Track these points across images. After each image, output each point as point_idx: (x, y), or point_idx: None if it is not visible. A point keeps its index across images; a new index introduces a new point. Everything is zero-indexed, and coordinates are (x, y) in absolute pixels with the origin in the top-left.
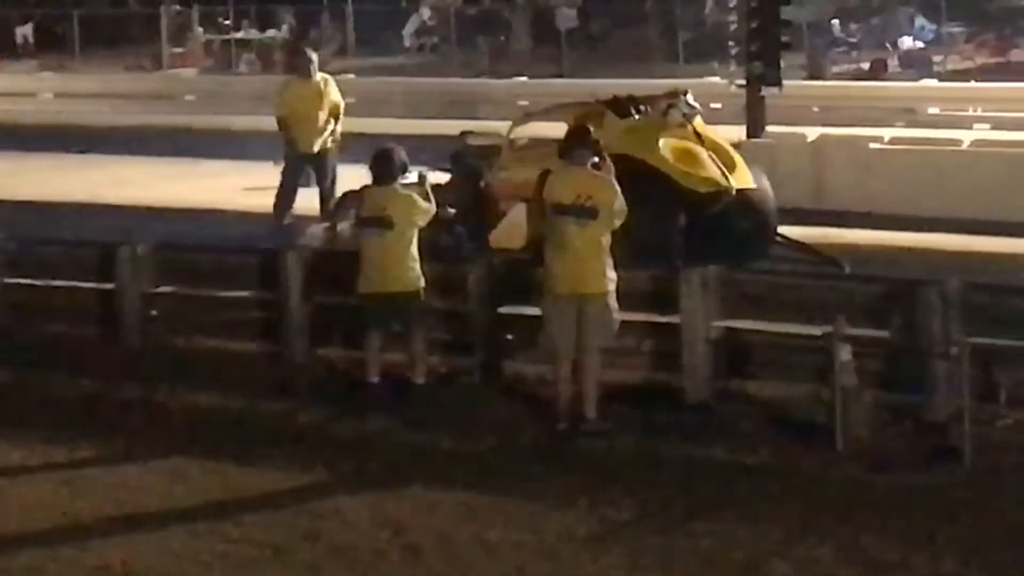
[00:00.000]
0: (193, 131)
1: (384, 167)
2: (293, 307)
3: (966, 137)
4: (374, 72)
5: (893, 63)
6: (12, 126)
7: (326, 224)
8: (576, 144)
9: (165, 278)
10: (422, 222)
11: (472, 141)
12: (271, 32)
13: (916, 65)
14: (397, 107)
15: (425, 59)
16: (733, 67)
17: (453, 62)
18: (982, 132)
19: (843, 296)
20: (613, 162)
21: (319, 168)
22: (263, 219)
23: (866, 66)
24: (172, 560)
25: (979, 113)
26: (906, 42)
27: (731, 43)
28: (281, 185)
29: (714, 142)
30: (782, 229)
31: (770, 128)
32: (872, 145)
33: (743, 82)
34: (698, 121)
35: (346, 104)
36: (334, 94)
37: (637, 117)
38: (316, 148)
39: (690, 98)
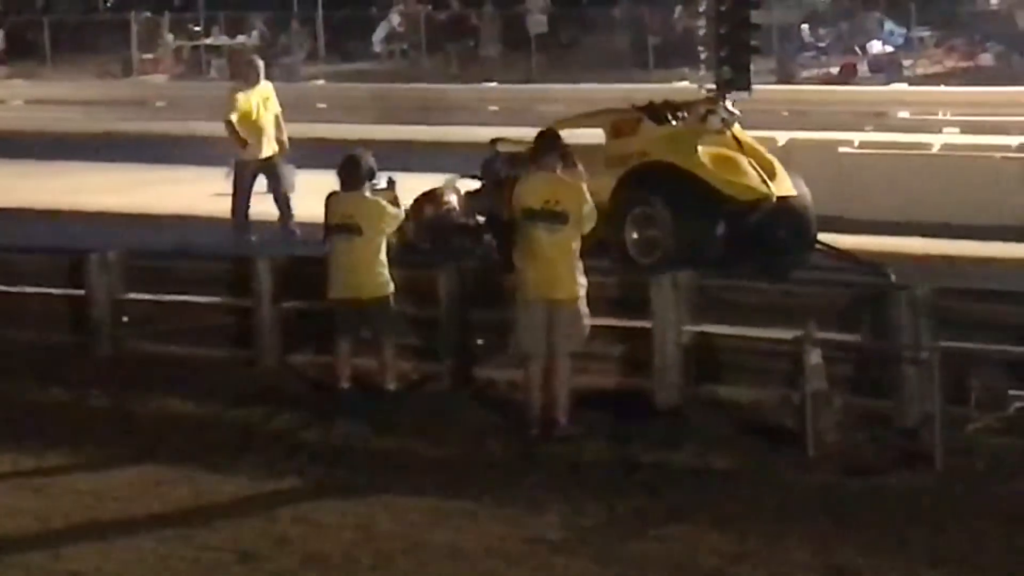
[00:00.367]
0: (163, 137)
1: (351, 173)
2: (264, 313)
3: (936, 141)
4: (344, 78)
5: (863, 67)
6: None
7: None
8: (544, 150)
9: (135, 284)
10: (390, 228)
11: (502, 148)
12: (241, 38)
13: (886, 69)
14: (367, 112)
15: (395, 65)
16: (703, 72)
17: (423, 68)
18: (952, 136)
19: (815, 301)
20: (651, 168)
21: (270, 173)
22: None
23: (836, 70)
24: (143, 566)
25: (948, 117)
26: (875, 46)
27: (700, 48)
28: (235, 191)
29: (753, 148)
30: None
31: None
32: (842, 149)
33: (713, 86)
34: (736, 127)
35: (317, 109)
36: (276, 101)
37: (674, 123)
38: (267, 153)
39: (729, 104)
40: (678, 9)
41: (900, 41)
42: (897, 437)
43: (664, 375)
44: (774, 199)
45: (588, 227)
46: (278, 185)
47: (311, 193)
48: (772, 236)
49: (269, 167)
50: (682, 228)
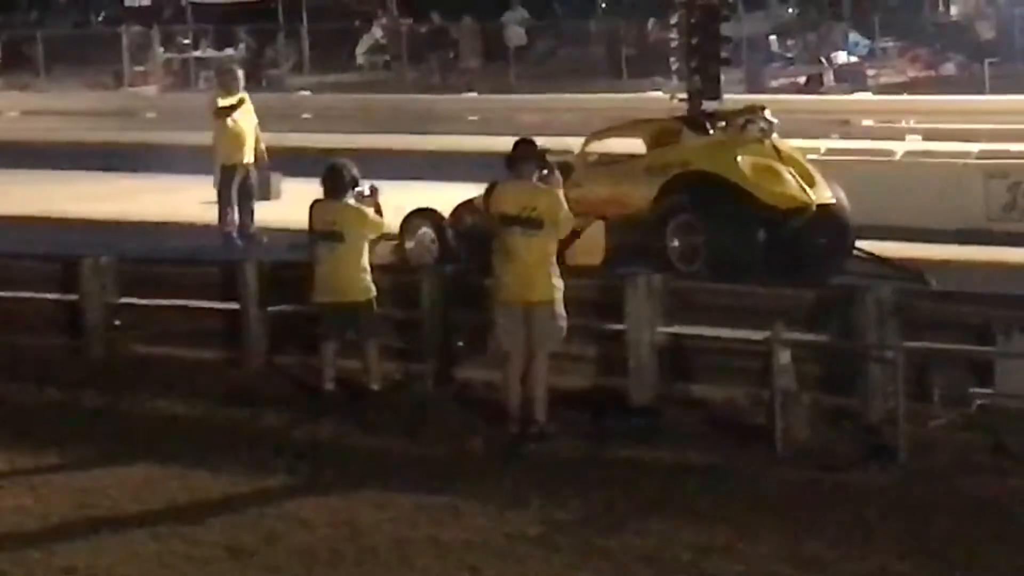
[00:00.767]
0: (153, 147)
1: (334, 181)
2: (251, 316)
3: (899, 148)
4: (329, 89)
5: (828, 77)
6: None
7: (395, 242)
8: (521, 158)
9: (127, 289)
10: (372, 235)
11: (550, 158)
12: (228, 51)
13: (851, 79)
14: (351, 122)
15: (378, 76)
16: (675, 82)
17: (405, 79)
18: (914, 143)
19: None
20: (692, 177)
21: (245, 180)
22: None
23: (803, 80)
24: (136, 562)
25: (911, 125)
26: (841, 57)
27: (672, 59)
28: (220, 198)
29: (792, 157)
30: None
31: None
32: (808, 156)
33: (684, 96)
34: (775, 136)
35: (302, 119)
36: (253, 112)
37: (714, 133)
38: (248, 159)
39: (768, 113)
40: (651, 21)
41: (865, 52)
42: (863, 433)
43: (639, 374)
44: (813, 207)
45: (564, 232)
46: (251, 192)
47: (295, 202)
48: (811, 243)
49: (247, 174)
50: (723, 236)
